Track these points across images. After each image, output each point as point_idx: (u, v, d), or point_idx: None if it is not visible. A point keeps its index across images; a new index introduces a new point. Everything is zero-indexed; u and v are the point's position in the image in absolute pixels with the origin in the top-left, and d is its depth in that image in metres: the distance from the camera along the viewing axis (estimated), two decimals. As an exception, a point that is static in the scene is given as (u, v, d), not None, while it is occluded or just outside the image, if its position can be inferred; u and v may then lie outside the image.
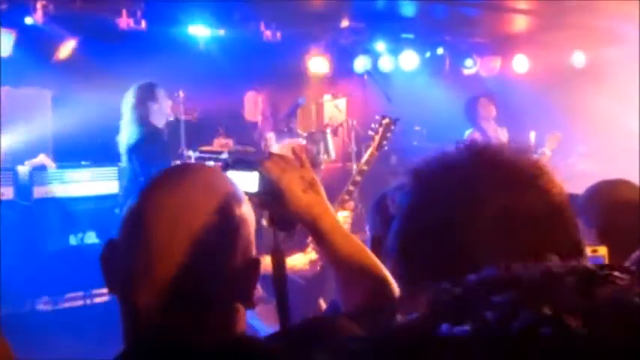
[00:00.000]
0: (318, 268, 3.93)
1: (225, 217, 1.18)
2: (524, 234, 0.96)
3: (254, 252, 1.24)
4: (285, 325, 1.44)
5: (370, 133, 4.42)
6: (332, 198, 4.38)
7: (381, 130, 4.33)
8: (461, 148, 1.03)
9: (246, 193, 1.46)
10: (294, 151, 1.65)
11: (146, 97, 5.58)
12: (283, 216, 1.52)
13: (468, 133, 6.52)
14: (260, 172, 1.48)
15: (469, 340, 0.56)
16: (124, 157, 5.55)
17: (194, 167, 1.56)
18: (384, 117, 4.31)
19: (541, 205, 0.99)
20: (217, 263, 1.17)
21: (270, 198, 1.49)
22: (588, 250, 1.82)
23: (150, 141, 5.45)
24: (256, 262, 1.22)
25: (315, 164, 4.21)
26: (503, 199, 0.97)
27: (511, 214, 0.97)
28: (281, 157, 1.53)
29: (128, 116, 5.57)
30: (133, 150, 5.45)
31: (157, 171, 1.26)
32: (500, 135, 6.63)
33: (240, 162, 1.51)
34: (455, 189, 1.00)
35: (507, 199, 0.98)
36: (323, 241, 1.52)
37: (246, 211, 1.24)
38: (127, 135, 5.53)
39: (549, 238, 0.97)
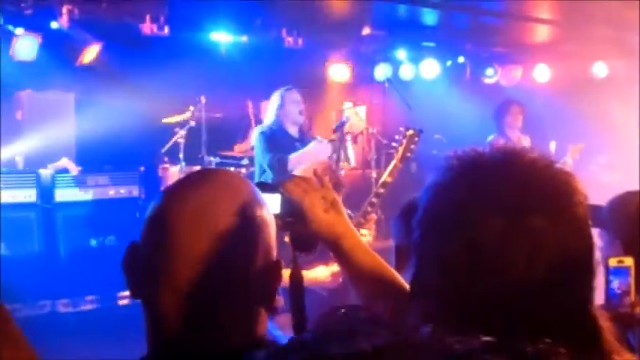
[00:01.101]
0: (340, 280, 3.93)
1: (247, 220, 1.18)
2: (543, 260, 0.94)
3: (275, 255, 1.25)
4: None
5: (394, 144, 4.44)
6: (352, 205, 4.40)
7: (404, 141, 4.34)
8: (494, 153, 1.01)
9: None
10: (315, 172, 1.67)
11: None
12: (305, 236, 1.54)
13: (491, 139, 6.48)
14: (282, 194, 1.50)
15: None
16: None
17: (215, 171, 1.57)
18: (407, 128, 4.32)
19: (562, 230, 0.95)
20: (239, 266, 1.17)
21: (293, 219, 1.51)
22: (614, 261, 1.81)
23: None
24: (277, 265, 1.23)
25: (338, 185, 4.22)
26: (527, 220, 0.94)
27: (533, 238, 0.94)
28: (302, 178, 1.56)
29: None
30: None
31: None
32: (523, 143, 6.60)
33: (262, 184, 1.53)
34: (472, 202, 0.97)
35: (530, 221, 0.94)
36: (345, 260, 1.55)
37: (267, 214, 1.24)
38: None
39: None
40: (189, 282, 1.14)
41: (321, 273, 3.97)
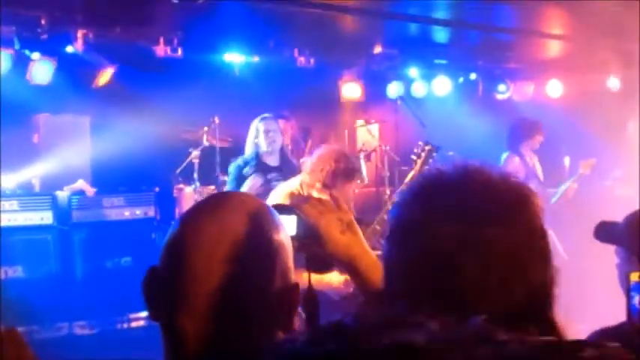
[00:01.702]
0: (351, 289, 3.95)
1: (264, 243, 1.20)
2: (497, 270, 0.98)
3: (293, 277, 1.25)
4: None
5: (413, 157, 4.50)
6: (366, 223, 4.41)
7: (423, 155, 4.43)
8: (454, 169, 1.07)
9: None
10: (332, 195, 1.69)
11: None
12: (321, 258, 1.55)
13: (505, 157, 6.46)
14: (298, 216, 1.51)
15: None
16: None
17: (233, 194, 1.58)
18: (427, 143, 4.39)
19: (515, 241, 1.00)
20: (256, 289, 1.18)
21: (309, 240, 1.52)
22: (636, 276, 1.80)
23: None
24: (296, 288, 1.24)
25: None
26: (481, 232, 0.99)
27: (488, 249, 0.99)
28: (319, 200, 1.58)
29: None
30: None
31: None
32: (534, 161, 6.59)
33: (279, 206, 1.54)
34: (424, 211, 1.03)
35: (484, 233, 0.99)
36: (362, 281, 1.55)
37: (284, 237, 1.25)
38: None
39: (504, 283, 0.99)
40: (208, 307, 1.15)
41: (334, 279, 3.99)
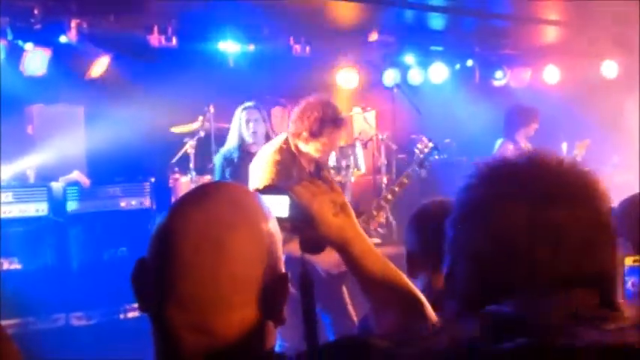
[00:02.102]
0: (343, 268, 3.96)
1: (253, 233, 1.19)
2: (567, 251, 1.00)
3: (282, 268, 1.24)
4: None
5: (416, 151, 4.55)
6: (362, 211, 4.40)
7: (426, 151, 4.51)
8: (521, 156, 1.09)
9: (277, 218, 1.47)
10: (325, 176, 1.67)
11: None
12: (314, 239, 1.53)
13: (500, 143, 6.45)
14: (290, 197, 1.49)
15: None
16: None
17: (221, 184, 1.57)
18: (430, 140, 4.50)
19: (586, 222, 1.02)
20: (246, 280, 1.17)
21: (301, 222, 1.50)
22: (630, 260, 1.80)
23: None
24: (285, 278, 1.23)
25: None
26: (551, 214, 1.01)
27: (557, 230, 1.01)
28: (311, 181, 1.54)
29: None
30: None
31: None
32: (529, 147, 6.58)
33: (271, 187, 1.52)
34: (496, 201, 1.05)
35: (554, 214, 1.01)
36: (355, 266, 1.52)
37: (274, 227, 1.24)
38: None
39: (582, 263, 1.01)
40: (196, 297, 1.14)
41: (327, 256, 3.98)
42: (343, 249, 1.51)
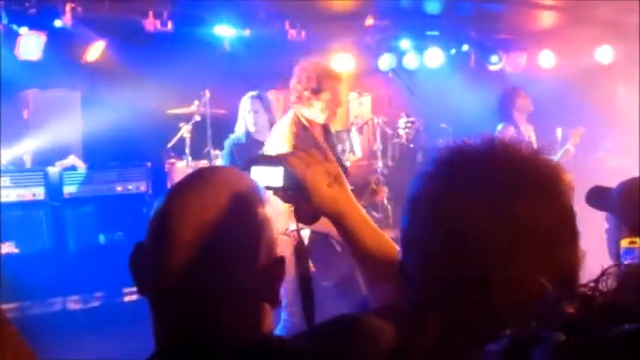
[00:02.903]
0: None
1: (248, 217, 1.20)
2: (526, 248, 0.95)
3: (277, 251, 1.25)
4: (310, 323, 1.45)
5: (399, 131, 4.54)
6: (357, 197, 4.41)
7: (408, 129, 4.52)
8: (481, 144, 1.03)
9: (271, 188, 1.48)
10: (319, 145, 1.67)
11: None
12: (308, 210, 1.52)
13: (501, 127, 6.44)
14: (285, 167, 1.49)
15: None
16: None
17: (218, 169, 1.57)
18: (408, 116, 4.49)
19: (548, 217, 0.97)
20: (241, 264, 1.18)
21: (295, 193, 1.49)
22: (626, 242, 1.81)
23: None
24: (280, 261, 1.24)
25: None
26: (512, 207, 0.96)
27: (518, 226, 0.95)
28: (306, 152, 1.53)
29: None
30: None
31: None
32: (529, 131, 6.58)
33: (265, 157, 1.52)
34: (466, 194, 0.98)
35: (516, 208, 0.96)
36: (348, 236, 1.52)
37: (269, 211, 1.24)
38: None
39: (550, 256, 0.96)
40: (193, 281, 1.15)
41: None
42: (337, 220, 1.50)
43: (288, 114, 4.50)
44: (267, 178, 1.49)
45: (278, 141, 4.27)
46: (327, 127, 4.57)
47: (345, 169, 4.54)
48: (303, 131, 4.32)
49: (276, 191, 1.50)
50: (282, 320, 4.12)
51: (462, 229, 0.96)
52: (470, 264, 0.96)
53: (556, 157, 6.35)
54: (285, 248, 4.09)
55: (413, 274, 1.02)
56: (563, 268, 0.97)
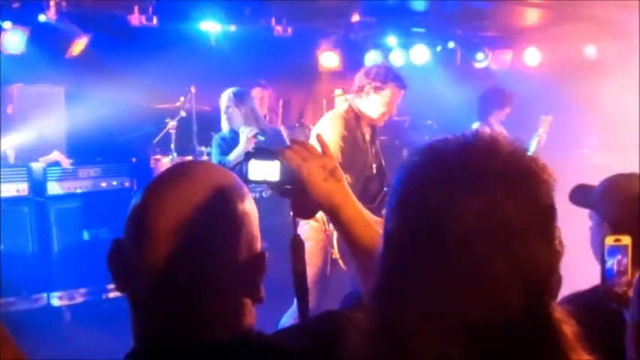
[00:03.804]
0: None
1: (228, 213, 1.18)
2: (488, 240, 0.96)
3: (259, 246, 1.24)
4: (305, 316, 1.45)
5: None
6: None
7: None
8: (454, 141, 1.04)
9: (268, 183, 1.48)
10: (318, 139, 1.65)
11: None
12: (304, 205, 1.52)
13: (476, 127, 6.46)
14: (281, 161, 1.48)
15: None
16: None
17: (197, 164, 1.55)
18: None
19: (524, 214, 0.97)
20: (221, 259, 1.17)
21: (292, 187, 1.49)
22: (611, 240, 1.81)
23: None
24: (262, 256, 1.23)
25: None
26: (484, 203, 0.96)
27: (489, 221, 0.96)
28: (303, 145, 1.52)
29: None
30: None
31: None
32: (502, 131, 6.60)
33: (262, 151, 1.51)
34: (438, 189, 0.99)
35: (488, 204, 0.96)
36: (344, 230, 1.52)
37: (250, 206, 1.23)
38: None
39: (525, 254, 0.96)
40: (172, 277, 1.14)
41: None
42: (333, 214, 1.50)
43: (342, 104, 4.79)
44: (263, 172, 1.48)
45: (328, 125, 4.48)
46: (375, 127, 4.75)
47: (383, 171, 4.67)
48: (354, 120, 4.53)
49: (273, 186, 1.50)
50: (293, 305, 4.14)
51: (431, 220, 0.98)
52: (434, 252, 0.97)
53: (530, 148, 6.41)
54: (315, 234, 4.14)
55: (387, 264, 1.04)
56: (533, 262, 0.96)
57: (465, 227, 0.95)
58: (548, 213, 1.00)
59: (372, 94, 4.49)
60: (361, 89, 4.51)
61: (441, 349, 0.95)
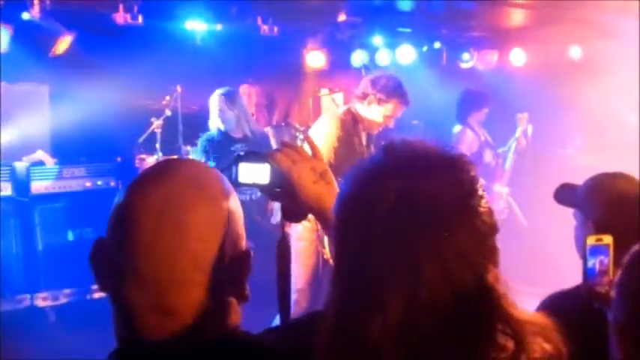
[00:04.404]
0: None
1: (212, 211, 1.17)
2: (418, 227, 1.01)
3: (244, 244, 1.24)
4: (285, 317, 1.45)
5: None
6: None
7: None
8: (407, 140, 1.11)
9: (258, 185, 1.47)
10: (308, 141, 1.65)
11: None
12: (294, 207, 1.52)
13: (459, 130, 6.49)
14: (271, 164, 1.47)
15: None
16: None
17: (180, 162, 1.54)
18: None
19: (442, 195, 1.03)
20: (206, 258, 1.15)
21: (282, 190, 1.49)
22: (592, 239, 1.81)
23: None
24: (247, 255, 1.22)
25: None
26: (400, 185, 1.03)
27: (406, 203, 1.01)
28: (293, 148, 1.51)
29: None
30: None
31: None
32: (483, 131, 6.63)
33: (252, 154, 1.51)
34: (360, 182, 1.08)
35: (404, 186, 1.03)
36: (331, 233, 1.52)
37: (234, 204, 1.22)
38: None
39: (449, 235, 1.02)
40: (155, 277, 1.13)
41: None
42: (322, 216, 1.50)
43: (340, 108, 4.83)
44: (253, 175, 1.47)
45: (325, 126, 4.53)
46: (371, 134, 4.80)
47: None
48: (351, 122, 4.56)
49: (262, 188, 1.49)
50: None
51: (360, 201, 1.06)
52: (363, 233, 1.04)
53: (509, 151, 6.45)
54: (308, 235, 4.17)
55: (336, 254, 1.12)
56: (456, 236, 1.01)
57: (386, 206, 1.01)
58: (469, 192, 1.05)
59: (375, 104, 4.55)
60: (365, 96, 4.55)
61: (381, 331, 0.99)
